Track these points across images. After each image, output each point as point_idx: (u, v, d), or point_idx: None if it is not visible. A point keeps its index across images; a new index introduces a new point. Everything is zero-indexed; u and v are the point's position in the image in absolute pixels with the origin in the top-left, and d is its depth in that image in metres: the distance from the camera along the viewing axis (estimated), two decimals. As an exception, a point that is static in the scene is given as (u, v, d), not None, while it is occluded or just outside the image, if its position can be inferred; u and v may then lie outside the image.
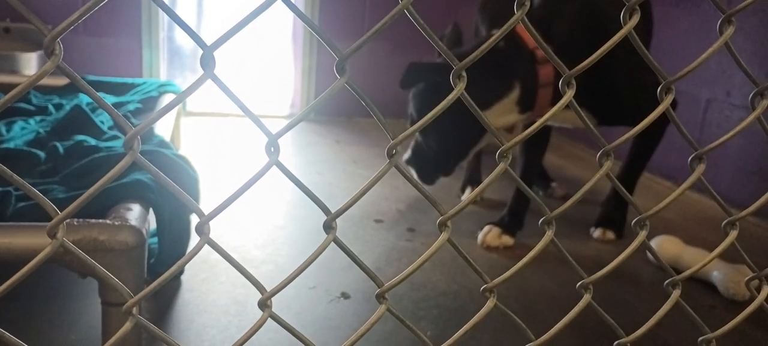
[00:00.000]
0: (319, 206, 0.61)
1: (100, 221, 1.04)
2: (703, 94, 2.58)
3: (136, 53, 3.43)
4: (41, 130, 1.74)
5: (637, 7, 0.63)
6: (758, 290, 0.84)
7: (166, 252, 1.39)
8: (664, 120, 1.39)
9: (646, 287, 1.71)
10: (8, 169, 0.48)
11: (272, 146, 0.57)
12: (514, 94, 1.81)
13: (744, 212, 0.77)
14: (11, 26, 3.13)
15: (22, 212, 1.16)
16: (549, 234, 0.71)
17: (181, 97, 0.53)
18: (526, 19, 0.61)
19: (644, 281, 1.75)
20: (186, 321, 1.36)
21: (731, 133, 0.73)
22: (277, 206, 2.14)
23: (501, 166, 0.65)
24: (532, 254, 0.70)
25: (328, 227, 0.62)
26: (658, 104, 0.69)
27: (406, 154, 2.04)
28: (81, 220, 1.02)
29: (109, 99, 2.20)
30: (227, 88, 0.54)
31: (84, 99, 2.00)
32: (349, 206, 0.61)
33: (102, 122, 1.79)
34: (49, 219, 0.51)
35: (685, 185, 0.74)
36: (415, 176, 2.01)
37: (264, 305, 0.62)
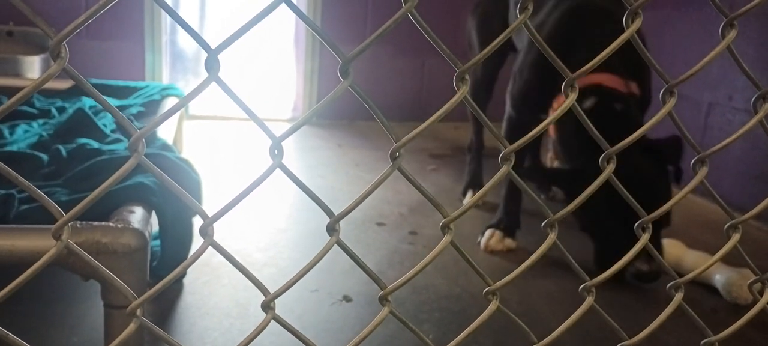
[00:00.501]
0: (322, 209, 0.61)
1: (103, 223, 1.04)
2: (706, 97, 2.58)
3: (139, 57, 3.44)
4: (44, 133, 1.74)
5: (639, 11, 0.64)
6: (761, 293, 0.84)
7: (169, 255, 1.40)
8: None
9: (649, 290, 1.71)
10: (13, 171, 0.48)
11: (276, 149, 0.57)
12: None
13: (746, 216, 0.77)
14: (14, 30, 3.14)
15: (25, 214, 1.16)
16: (552, 237, 0.71)
17: (186, 99, 0.53)
18: (528, 23, 0.61)
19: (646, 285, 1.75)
20: (188, 324, 1.36)
21: (733, 136, 0.73)
22: (279, 209, 2.15)
23: (503, 170, 0.65)
24: (534, 256, 0.70)
25: (332, 229, 0.62)
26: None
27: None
28: (84, 222, 1.02)
29: (112, 102, 2.19)
30: (231, 91, 0.54)
31: (87, 102, 2.00)
32: (351, 209, 0.61)
33: (104, 125, 1.80)
34: (53, 222, 0.51)
35: (687, 189, 0.74)
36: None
37: (268, 307, 0.62)
